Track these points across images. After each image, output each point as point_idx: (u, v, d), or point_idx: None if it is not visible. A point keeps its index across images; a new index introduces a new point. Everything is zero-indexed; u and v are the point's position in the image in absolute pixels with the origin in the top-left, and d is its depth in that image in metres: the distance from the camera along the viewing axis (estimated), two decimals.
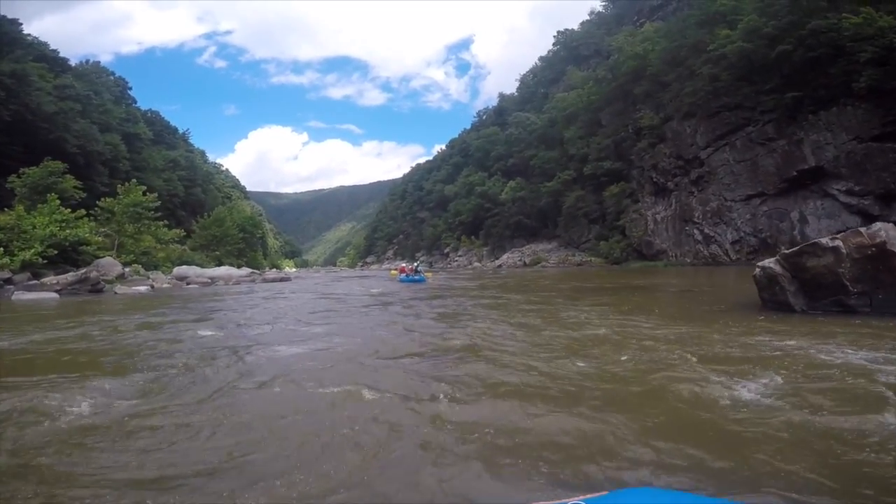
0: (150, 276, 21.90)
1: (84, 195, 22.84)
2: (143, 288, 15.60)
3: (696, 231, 36.10)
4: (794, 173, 29.73)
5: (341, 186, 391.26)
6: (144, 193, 25.58)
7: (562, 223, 52.63)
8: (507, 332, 6.28)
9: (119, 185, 25.35)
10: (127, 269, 20.63)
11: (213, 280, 21.99)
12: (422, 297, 12.89)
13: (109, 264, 19.16)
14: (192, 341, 5.91)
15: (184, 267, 23.62)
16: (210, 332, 6.55)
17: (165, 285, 20.04)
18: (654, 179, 40.46)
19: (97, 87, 53.70)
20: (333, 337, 6.18)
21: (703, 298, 10.95)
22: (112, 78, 66.72)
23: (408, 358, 4.83)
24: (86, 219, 20.34)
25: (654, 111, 42.07)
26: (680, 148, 38.30)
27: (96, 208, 23.92)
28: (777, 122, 30.79)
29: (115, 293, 14.61)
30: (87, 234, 18.72)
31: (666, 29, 45.70)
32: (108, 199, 23.94)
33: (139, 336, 6.39)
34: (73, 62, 55.23)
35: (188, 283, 20.92)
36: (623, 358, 4.53)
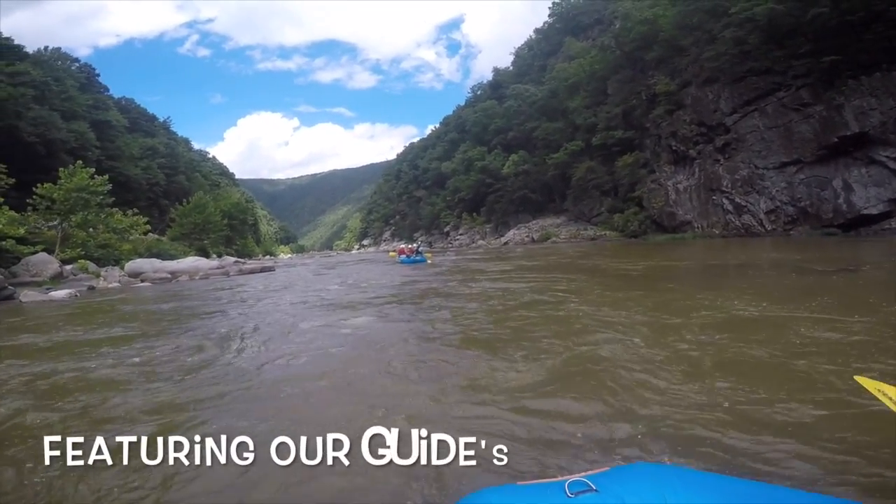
0: (102, 274, 18.61)
1: (12, 181, 19.27)
2: (64, 293, 12.21)
3: (724, 201, 32.92)
4: (835, 140, 26.74)
5: (335, 170, 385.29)
6: (93, 176, 22.01)
7: (571, 196, 49.23)
8: (636, 343, 4.01)
9: (61, 169, 21.77)
10: (69, 267, 17.34)
11: (174, 275, 18.67)
12: (452, 283, 9.98)
13: (42, 262, 15.87)
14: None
15: (139, 261, 20.17)
16: (120, 371, 3.84)
17: (114, 284, 16.79)
18: (674, 148, 37.08)
19: (58, 73, 49.77)
20: (345, 371, 3.70)
21: None
22: (77, 65, 62.79)
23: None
24: (5, 207, 16.78)
25: (669, 77, 38.50)
26: (702, 114, 34.87)
27: (33, 196, 20.47)
28: (812, 87, 27.87)
29: (21, 302, 11.31)
30: (2, 227, 15.27)
31: None
32: (46, 185, 20.40)
33: None
34: (29, 50, 50.95)
35: (142, 281, 17.65)
36: None
